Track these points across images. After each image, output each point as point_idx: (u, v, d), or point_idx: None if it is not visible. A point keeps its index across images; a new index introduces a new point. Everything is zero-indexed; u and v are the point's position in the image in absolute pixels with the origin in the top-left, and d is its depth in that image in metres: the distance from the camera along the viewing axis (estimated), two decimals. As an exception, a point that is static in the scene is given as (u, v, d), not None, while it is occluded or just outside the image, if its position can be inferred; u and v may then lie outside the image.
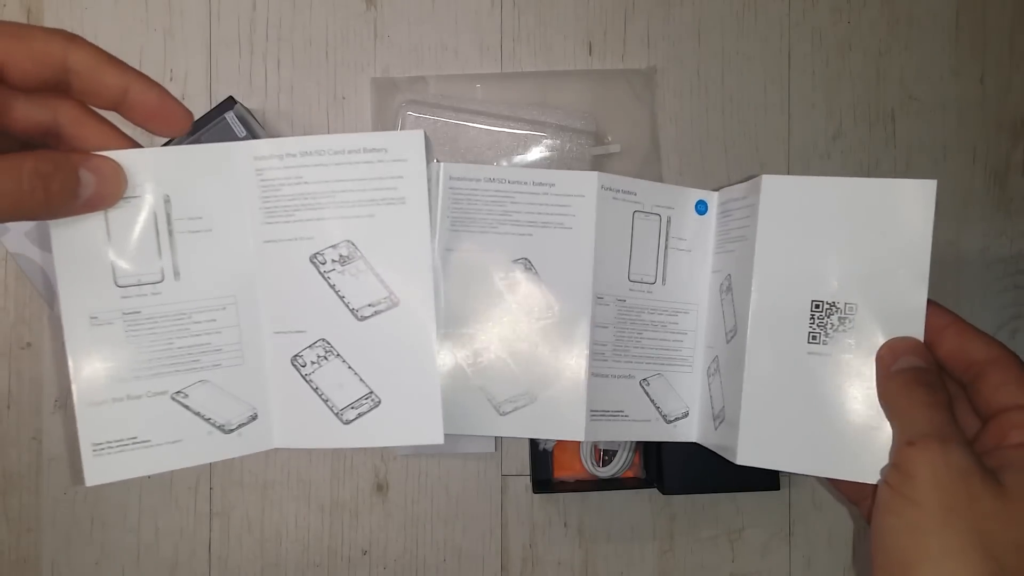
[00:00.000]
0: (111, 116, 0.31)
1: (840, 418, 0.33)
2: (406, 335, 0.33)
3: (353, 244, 0.32)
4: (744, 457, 0.33)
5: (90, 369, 0.31)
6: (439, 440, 0.32)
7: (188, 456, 0.32)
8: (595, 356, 0.36)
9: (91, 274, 0.30)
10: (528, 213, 0.36)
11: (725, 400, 0.35)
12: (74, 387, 0.30)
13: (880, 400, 0.32)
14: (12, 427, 0.64)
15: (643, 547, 0.65)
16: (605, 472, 0.62)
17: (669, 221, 0.38)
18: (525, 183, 0.36)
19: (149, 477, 0.64)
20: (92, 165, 0.29)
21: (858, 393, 0.33)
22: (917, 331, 0.32)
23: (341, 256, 0.32)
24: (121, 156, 0.30)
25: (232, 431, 0.32)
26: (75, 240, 0.30)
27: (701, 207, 0.38)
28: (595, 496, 0.65)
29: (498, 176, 0.36)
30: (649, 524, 0.65)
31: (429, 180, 0.33)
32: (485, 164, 0.62)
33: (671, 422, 0.38)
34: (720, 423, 0.36)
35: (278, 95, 0.65)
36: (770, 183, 0.34)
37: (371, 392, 0.33)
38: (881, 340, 0.33)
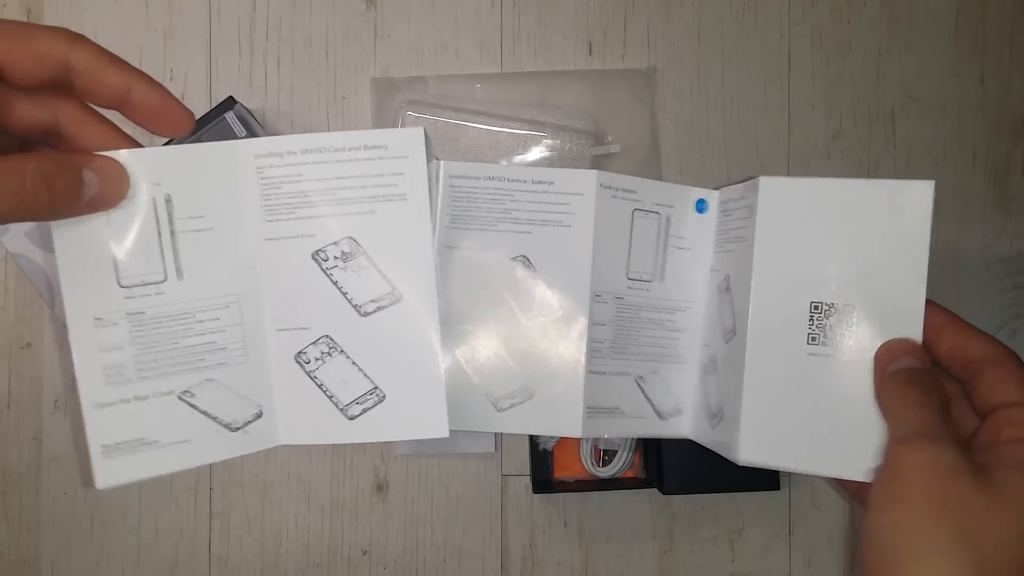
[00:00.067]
0: (111, 115, 0.31)
1: (840, 417, 0.33)
2: (409, 330, 0.33)
3: (355, 240, 0.32)
4: (746, 456, 0.33)
5: (96, 370, 0.30)
6: (444, 433, 0.33)
7: (196, 455, 0.32)
8: (593, 353, 0.36)
9: (94, 275, 0.30)
10: (527, 211, 0.36)
11: (723, 399, 0.36)
12: (81, 389, 0.30)
13: (876, 400, 0.32)
14: (12, 427, 0.64)
15: (643, 547, 0.65)
16: (605, 472, 0.62)
17: (669, 220, 0.38)
18: (524, 181, 0.36)
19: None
20: (95, 165, 0.29)
21: (858, 393, 0.33)
22: (915, 331, 0.32)
23: (343, 253, 0.33)
24: (123, 156, 0.30)
25: (238, 429, 0.32)
26: (78, 241, 0.30)
27: (701, 206, 0.38)
28: (595, 496, 0.65)
29: (497, 174, 0.36)
30: (649, 524, 0.65)
31: (429, 178, 0.33)
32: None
33: (665, 419, 0.38)
34: (718, 422, 0.36)
35: (278, 95, 0.65)
36: (768, 184, 0.34)
37: (376, 387, 0.33)
38: (879, 341, 0.33)
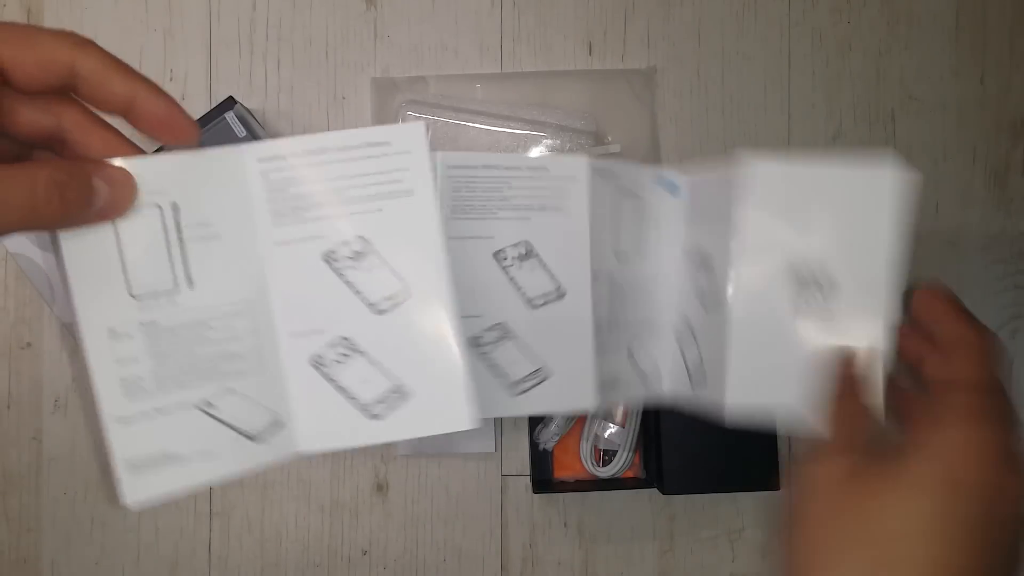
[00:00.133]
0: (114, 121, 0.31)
1: (818, 381, 0.36)
2: (426, 324, 0.33)
3: (365, 239, 0.32)
4: (731, 415, 0.36)
5: (114, 383, 0.30)
6: (471, 425, 0.33)
7: (221, 468, 0.31)
8: (596, 330, 0.38)
9: (105, 286, 0.30)
10: (525, 198, 0.37)
11: (705, 364, 0.38)
12: (101, 403, 0.29)
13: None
14: (12, 427, 0.64)
15: (643, 547, 0.65)
16: (605, 472, 0.62)
17: (644, 200, 0.39)
18: (520, 168, 0.37)
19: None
20: (105, 174, 0.29)
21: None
22: (886, 309, 0.35)
23: (354, 252, 0.32)
24: (130, 164, 0.30)
25: (259, 439, 0.32)
26: (87, 251, 0.29)
27: (672, 187, 0.40)
28: (595, 496, 0.65)
29: (493, 163, 0.37)
30: (649, 524, 0.65)
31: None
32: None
33: (649, 384, 0.40)
34: (700, 384, 0.38)
35: (278, 95, 0.65)
36: (751, 164, 0.36)
37: (398, 385, 0.33)
38: (857, 320, 0.35)
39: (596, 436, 0.62)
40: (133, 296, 0.30)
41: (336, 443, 0.33)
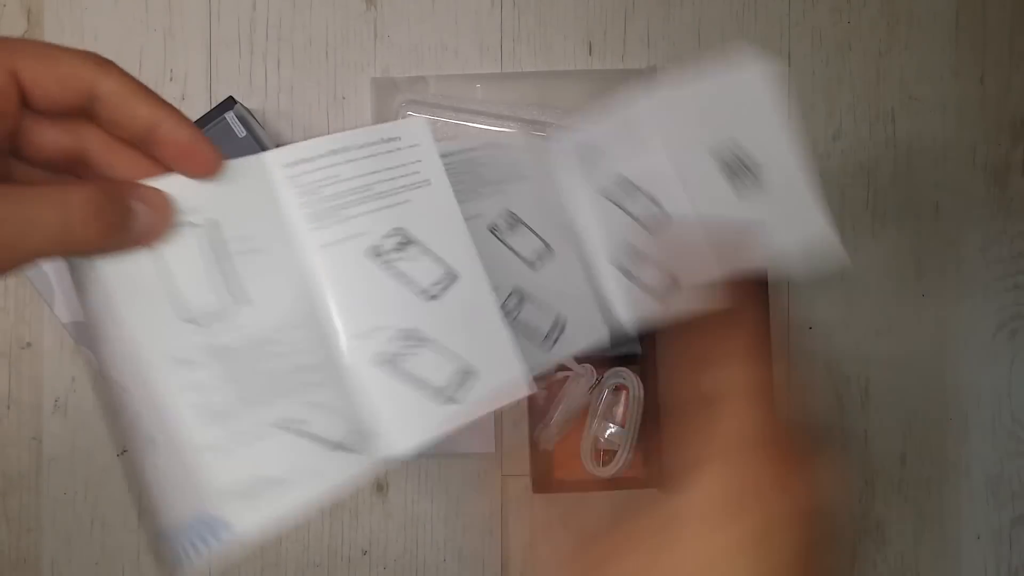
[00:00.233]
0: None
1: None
2: (473, 302, 0.33)
3: (404, 230, 0.33)
4: (628, 323, 0.40)
5: (189, 412, 0.28)
6: (532, 390, 0.34)
7: (318, 485, 0.29)
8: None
9: (160, 314, 0.28)
10: (498, 172, 0.39)
11: (671, 275, 0.40)
12: (178, 434, 0.27)
13: None
14: (12, 427, 0.64)
15: (643, 547, 0.65)
16: (605, 472, 0.62)
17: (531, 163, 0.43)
18: (488, 148, 0.40)
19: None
20: (142, 195, 0.27)
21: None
22: (814, 186, 0.39)
23: (398, 244, 0.33)
24: (162, 184, 0.28)
25: (347, 448, 0.30)
26: (134, 281, 0.28)
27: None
28: (595, 496, 0.65)
29: (467, 146, 0.39)
30: (649, 524, 0.65)
31: None
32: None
33: (608, 317, 0.43)
34: (669, 294, 0.41)
35: (278, 95, 0.65)
36: (634, 105, 0.40)
37: (463, 365, 0.33)
38: (790, 195, 0.39)
39: (596, 436, 0.62)
40: (191, 321, 0.28)
41: (422, 436, 0.32)
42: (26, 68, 0.25)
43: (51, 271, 0.62)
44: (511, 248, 0.39)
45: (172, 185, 0.28)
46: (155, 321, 0.28)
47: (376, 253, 0.32)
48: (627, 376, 0.61)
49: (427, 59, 0.65)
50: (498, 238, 0.39)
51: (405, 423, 0.32)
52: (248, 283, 0.30)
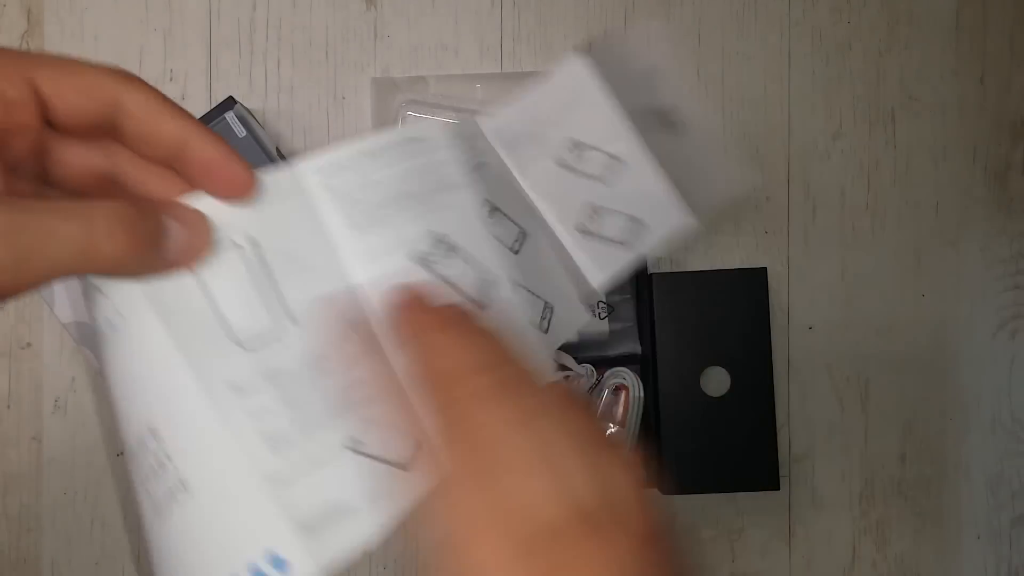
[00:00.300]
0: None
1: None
2: (512, 309, 0.33)
3: (445, 235, 0.32)
4: (600, 284, 0.42)
5: (253, 439, 0.26)
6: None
7: (387, 509, 0.27)
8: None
9: (208, 341, 0.26)
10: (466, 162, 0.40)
11: (639, 217, 0.44)
12: (242, 464, 0.25)
13: None
14: (12, 427, 0.64)
15: (643, 547, 0.65)
16: (605, 472, 0.62)
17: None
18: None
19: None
20: (175, 212, 0.25)
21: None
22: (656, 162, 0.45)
23: (440, 248, 0.31)
24: (197, 203, 0.26)
25: (411, 467, 0.28)
26: (178, 307, 0.26)
27: None
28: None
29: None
30: (649, 524, 0.65)
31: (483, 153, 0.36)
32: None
33: (581, 288, 0.44)
34: (636, 239, 0.44)
35: (278, 95, 0.65)
36: (485, 120, 0.41)
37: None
38: (643, 170, 0.45)
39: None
40: (241, 345, 0.27)
41: None
42: (46, 79, 0.23)
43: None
44: (497, 237, 0.37)
45: (206, 203, 0.26)
46: (206, 348, 0.26)
47: (422, 259, 0.31)
48: (627, 376, 0.61)
49: (427, 59, 0.65)
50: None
51: None
52: (293, 301, 0.28)
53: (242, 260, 0.27)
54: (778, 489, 0.62)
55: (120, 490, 0.64)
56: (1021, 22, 0.66)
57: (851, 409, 0.66)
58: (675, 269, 0.65)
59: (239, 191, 0.26)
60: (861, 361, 0.66)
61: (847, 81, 0.66)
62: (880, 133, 0.66)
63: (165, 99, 0.25)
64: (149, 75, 0.65)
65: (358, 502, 0.27)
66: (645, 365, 0.62)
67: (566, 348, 0.61)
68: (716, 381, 0.60)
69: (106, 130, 0.25)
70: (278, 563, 0.25)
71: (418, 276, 0.30)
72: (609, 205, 0.43)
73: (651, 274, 0.60)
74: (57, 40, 0.64)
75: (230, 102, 0.58)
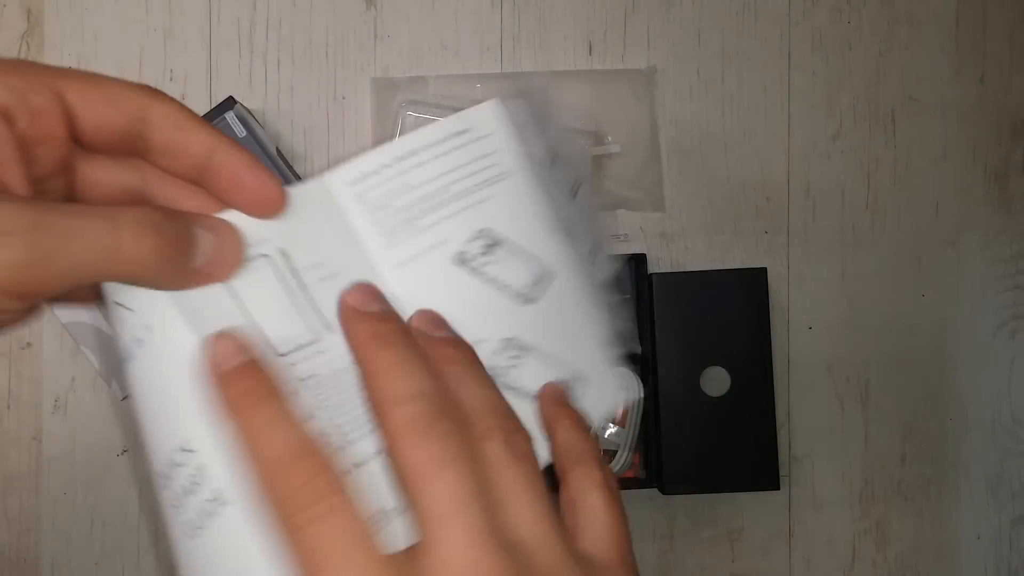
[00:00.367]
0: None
1: None
2: (576, 299, 0.31)
3: (488, 230, 0.30)
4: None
5: None
6: (639, 394, 0.32)
7: None
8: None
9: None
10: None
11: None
12: None
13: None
14: (12, 427, 0.64)
15: (643, 547, 0.65)
16: (605, 472, 0.62)
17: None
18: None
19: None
20: (208, 223, 0.24)
21: None
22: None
23: (484, 246, 0.30)
24: (227, 215, 0.26)
25: None
26: (211, 314, 0.25)
27: None
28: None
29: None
30: (649, 524, 0.65)
31: (534, 143, 0.31)
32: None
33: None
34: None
35: (278, 95, 0.65)
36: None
37: (575, 371, 0.30)
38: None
39: (596, 436, 0.62)
40: (280, 355, 0.26)
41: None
42: (72, 90, 0.23)
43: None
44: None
45: (235, 216, 0.26)
46: None
47: (462, 260, 0.29)
48: (627, 376, 0.61)
49: (427, 59, 0.65)
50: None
51: None
52: (327, 311, 0.27)
53: (273, 270, 0.27)
54: (778, 489, 0.62)
55: (122, 489, 0.64)
56: (1021, 22, 0.66)
57: (851, 409, 0.66)
58: (675, 269, 0.65)
59: (268, 205, 0.26)
60: (861, 361, 0.66)
61: (847, 81, 0.66)
62: (880, 133, 0.66)
63: (192, 112, 0.25)
64: (149, 75, 0.65)
65: (393, 508, 0.26)
66: (645, 365, 0.62)
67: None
68: (716, 381, 0.60)
69: (132, 145, 0.25)
70: None
71: (458, 278, 0.29)
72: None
73: (651, 274, 0.60)
74: (57, 40, 0.64)
75: (230, 102, 0.58)
